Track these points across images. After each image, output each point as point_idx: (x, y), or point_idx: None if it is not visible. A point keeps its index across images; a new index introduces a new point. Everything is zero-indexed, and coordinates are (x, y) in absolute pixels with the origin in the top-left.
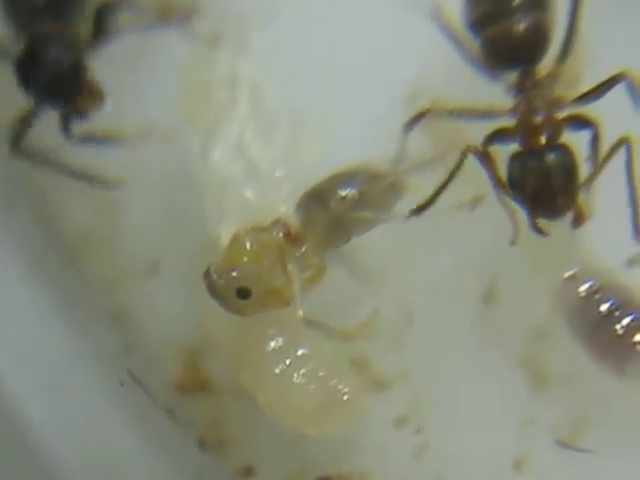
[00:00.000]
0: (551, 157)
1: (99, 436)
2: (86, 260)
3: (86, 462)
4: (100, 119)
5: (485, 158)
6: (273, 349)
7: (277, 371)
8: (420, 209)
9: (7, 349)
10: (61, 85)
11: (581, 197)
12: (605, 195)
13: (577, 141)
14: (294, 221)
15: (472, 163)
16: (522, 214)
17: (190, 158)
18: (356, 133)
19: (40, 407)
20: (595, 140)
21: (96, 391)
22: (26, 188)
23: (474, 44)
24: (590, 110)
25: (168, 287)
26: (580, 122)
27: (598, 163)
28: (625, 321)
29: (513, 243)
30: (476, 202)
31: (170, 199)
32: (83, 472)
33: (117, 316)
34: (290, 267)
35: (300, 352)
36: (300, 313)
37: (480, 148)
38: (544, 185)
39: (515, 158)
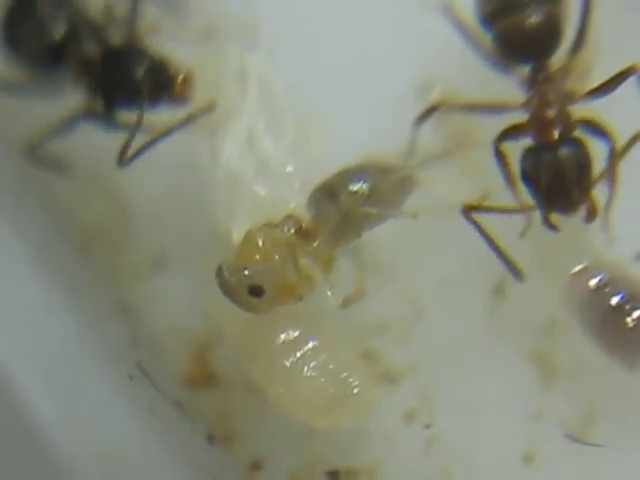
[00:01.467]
0: (564, 151)
1: (106, 429)
2: (95, 253)
3: (93, 455)
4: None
5: (498, 155)
6: (283, 342)
7: (287, 364)
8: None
9: (14, 341)
10: (160, 83)
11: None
12: None
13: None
14: (305, 216)
15: (481, 159)
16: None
17: (200, 154)
18: (366, 127)
19: (47, 400)
20: (611, 155)
21: (104, 384)
22: (35, 181)
23: (486, 38)
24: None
25: (177, 281)
26: (597, 130)
27: (614, 164)
28: (635, 314)
29: (523, 235)
30: (485, 198)
31: (180, 194)
32: (89, 465)
33: (126, 309)
34: (303, 262)
35: (310, 345)
36: (335, 301)
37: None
38: (558, 179)
39: (528, 153)
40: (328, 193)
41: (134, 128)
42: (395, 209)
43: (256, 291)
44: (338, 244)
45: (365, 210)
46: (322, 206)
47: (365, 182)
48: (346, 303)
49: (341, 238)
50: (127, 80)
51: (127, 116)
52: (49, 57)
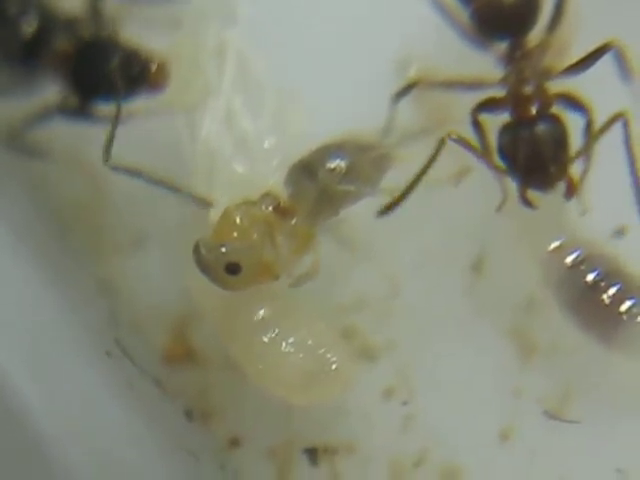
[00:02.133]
0: (542, 127)
1: (85, 407)
2: (74, 231)
3: (72, 433)
4: None
5: (476, 126)
6: (262, 318)
7: (265, 340)
8: (390, 208)
9: None
10: (134, 73)
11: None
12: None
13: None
14: (283, 194)
15: None
16: (511, 185)
17: (178, 131)
18: (344, 104)
19: (26, 377)
20: (588, 127)
21: (83, 362)
22: (14, 160)
23: (463, 15)
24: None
25: (156, 258)
26: (574, 104)
27: (591, 141)
28: (611, 291)
29: (499, 210)
30: (462, 175)
31: (158, 171)
32: (68, 443)
33: (105, 287)
34: (279, 240)
35: (289, 321)
36: (290, 282)
37: (458, 134)
38: (535, 155)
39: (506, 128)
40: (306, 170)
41: (114, 123)
42: (373, 186)
43: (233, 268)
44: (316, 222)
45: (343, 187)
46: (300, 183)
47: (343, 159)
48: (297, 282)
49: (319, 215)
50: (100, 74)
51: (103, 109)
52: (23, 54)
